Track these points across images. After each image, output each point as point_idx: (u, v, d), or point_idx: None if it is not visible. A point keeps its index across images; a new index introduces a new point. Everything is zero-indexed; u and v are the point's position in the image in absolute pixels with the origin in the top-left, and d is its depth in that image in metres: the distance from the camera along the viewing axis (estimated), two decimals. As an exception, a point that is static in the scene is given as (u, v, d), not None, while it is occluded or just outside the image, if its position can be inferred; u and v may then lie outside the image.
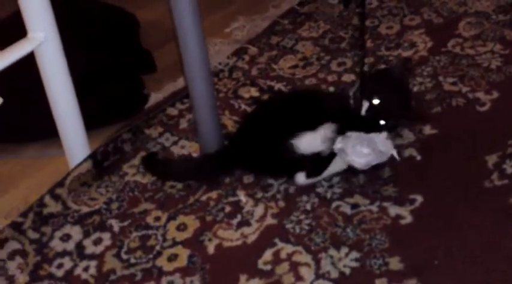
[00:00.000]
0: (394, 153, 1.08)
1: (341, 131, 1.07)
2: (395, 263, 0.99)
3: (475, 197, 1.07)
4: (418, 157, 1.15)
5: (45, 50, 1.11)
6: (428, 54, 1.39)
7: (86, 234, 1.09)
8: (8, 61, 1.08)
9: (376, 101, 1.07)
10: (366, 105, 1.07)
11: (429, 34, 1.44)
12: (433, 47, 1.41)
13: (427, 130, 1.21)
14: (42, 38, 1.09)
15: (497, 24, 1.44)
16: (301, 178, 1.11)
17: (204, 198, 1.13)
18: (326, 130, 1.07)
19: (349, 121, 1.08)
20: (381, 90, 1.08)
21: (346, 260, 1.00)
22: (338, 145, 1.06)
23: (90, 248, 1.07)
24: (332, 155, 1.08)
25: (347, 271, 0.99)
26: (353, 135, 1.05)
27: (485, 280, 0.94)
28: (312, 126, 1.08)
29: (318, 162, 1.09)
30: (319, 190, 1.12)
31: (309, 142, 1.07)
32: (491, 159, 1.13)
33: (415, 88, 1.30)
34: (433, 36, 1.43)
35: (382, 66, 1.36)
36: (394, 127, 1.13)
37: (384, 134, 1.08)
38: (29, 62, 1.13)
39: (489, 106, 1.24)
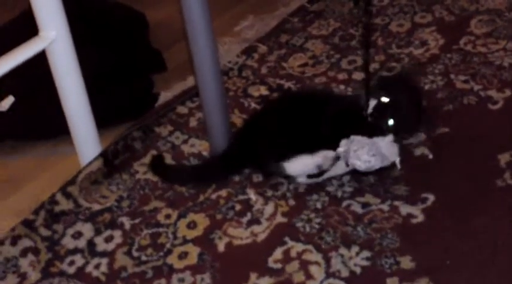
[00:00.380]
0: (397, 161, 1.06)
1: (340, 132, 1.06)
2: (406, 263, 0.98)
3: (487, 196, 1.06)
4: (430, 156, 1.14)
5: (57, 48, 1.12)
6: (439, 52, 1.38)
7: (97, 232, 1.10)
8: (20, 59, 1.08)
9: (385, 99, 1.05)
10: (373, 103, 1.05)
11: (441, 32, 1.43)
12: (444, 44, 1.40)
13: (439, 128, 1.20)
14: (54, 36, 1.10)
15: (510, 22, 1.42)
16: (302, 177, 1.10)
17: (214, 196, 1.13)
18: (320, 158, 1.07)
19: (355, 124, 1.07)
20: (391, 89, 1.06)
21: (357, 259, 1.00)
22: (341, 148, 1.05)
23: (101, 246, 1.07)
24: (336, 157, 1.07)
25: (358, 270, 0.98)
26: (356, 139, 1.04)
27: (497, 281, 0.94)
28: (317, 130, 1.07)
29: None
30: (330, 189, 1.11)
31: (298, 166, 1.08)
32: (504, 158, 1.12)
33: (427, 87, 1.29)
34: (444, 34, 1.42)
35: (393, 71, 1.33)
36: (402, 130, 1.08)
37: (390, 138, 1.05)
38: (40, 60, 1.13)
39: (501, 104, 1.23)
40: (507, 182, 1.07)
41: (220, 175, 1.16)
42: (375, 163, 1.03)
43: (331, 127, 1.08)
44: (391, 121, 1.05)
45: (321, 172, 1.10)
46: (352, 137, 1.04)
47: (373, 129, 1.05)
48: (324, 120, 1.08)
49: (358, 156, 1.02)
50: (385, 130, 1.05)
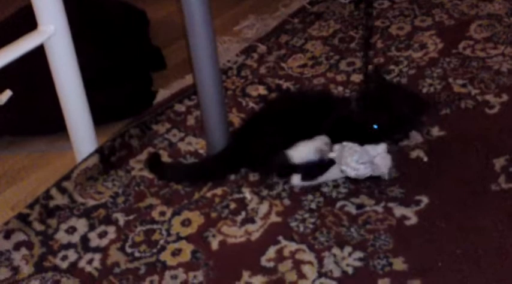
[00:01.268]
0: (386, 172, 1.05)
1: (340, 140, 1.06)
2: (399, 264, 0.98)
3: (481, 200, 1.06)
4: (425, 159, 1.14)
5: (55, 43, 1.12)
6: (438, 55, 1.38)
7: (91, 227, 1.10)
8: (18, 53, 1.09)
9: (376, 126, 1.05)
10: (371, 130, 1.04)
11: (440, 35, 1.44)
12: (443, 48, 1.40)
13: (435, 132, 1.20)
14: (52, 31, 1.10)
15: (509, 27, 1.43)
16: (296, 179, 1.11)
17: (209, 194, 1.14)
18: (319, 142, 1.07)
19: (350, 130, 1.07)
20: (376, 116, 1.05)
21: (350, 259, 1.00)
22: (333, 154, 1.05)
23: (95, 241, 1.08)
24: (330, 162, 1.07)
25: (350, 270, 0.98)
26: (347, 146, 1.04)
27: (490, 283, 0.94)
28: (315, 131, 1.08)
29: (313, 168, 1.09)
30: (325, 189, 1.11)
31: (301, 153, 1.07)
32: (499, 162, 1.12)
33: (425, 90, 1.29)
34: (443, 38, 1.43)
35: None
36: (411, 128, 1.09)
37: (383, 146, 1.05)
38: (38, 55, 1.13)
39: (498, 109, 1.23)
40: (501, 186, 1.07)
41: (217, 174, 1.16)
42: (365, 171, 1.03)
43: (330, 133, 1.08)
44: (397, 136, 1.05)
45: (315, 175, 1.09)
46: (345, 143, 1.04)
47: (367, 137, 1.04)
48: (324, 127, 1.08)
49: (347, 163, 1.02)
50: (386, 139, 1.05)
